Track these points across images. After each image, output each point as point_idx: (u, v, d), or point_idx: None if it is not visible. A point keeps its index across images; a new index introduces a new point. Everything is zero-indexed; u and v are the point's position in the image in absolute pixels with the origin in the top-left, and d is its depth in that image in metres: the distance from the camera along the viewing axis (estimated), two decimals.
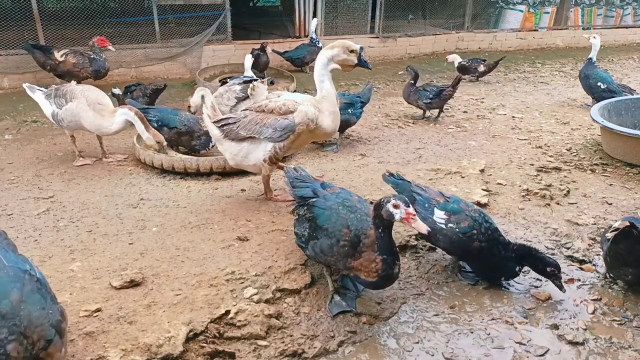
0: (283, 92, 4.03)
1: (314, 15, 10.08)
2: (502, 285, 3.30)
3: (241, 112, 3.99)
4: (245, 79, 5.53)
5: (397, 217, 2.53)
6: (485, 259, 3.15)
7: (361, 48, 3.89)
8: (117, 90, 6.31)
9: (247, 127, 3.85)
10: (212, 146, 5.06)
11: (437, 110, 6.59)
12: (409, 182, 3.53)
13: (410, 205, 2.55)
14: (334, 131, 4.06)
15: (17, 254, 2.38)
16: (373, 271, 2.69)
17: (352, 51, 3.84)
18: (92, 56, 6.96)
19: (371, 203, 4.10)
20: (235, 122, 3.91)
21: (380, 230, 2.63)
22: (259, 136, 3.83)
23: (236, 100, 5.28)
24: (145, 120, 4.67)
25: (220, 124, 3.96)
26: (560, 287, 3.09)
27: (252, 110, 3.94)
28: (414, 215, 2.53)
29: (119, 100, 6.22)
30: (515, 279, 3.35)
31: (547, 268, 3.08)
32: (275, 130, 3.79)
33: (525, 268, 3.46)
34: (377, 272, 2.69)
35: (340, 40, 3.93)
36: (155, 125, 5.01)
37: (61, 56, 7.06)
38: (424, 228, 2.54)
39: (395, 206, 2.51)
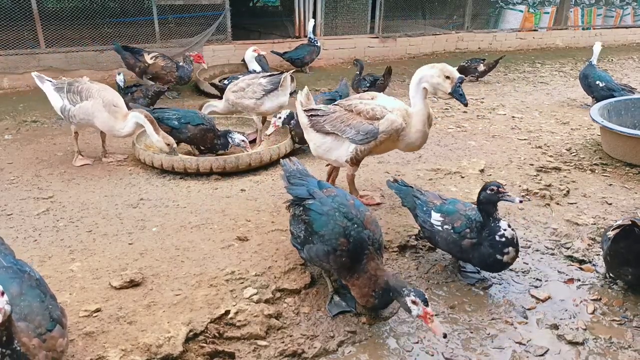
0: (378, 94, 4.00)
1: (314, 16, 10.08)
2: (501, 286, 3.30)
3: (331, 107, 3.98)
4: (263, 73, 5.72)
5: (414, 313, 2.52)
6: (480, 252, 3.11)
7: (460, 78, 3.62)
8: (120, 78, 6.33)
9: (332, 123, 3.85)
10: (230, 147, 5.10)
11: None
12: (411, 187, 3.58)
13: (428, 303, 2.51)
14: (418, 148, 3.94)
15: (16, 259, 2.41)
16: (364, 301, 2.81)
17: (448, 77, 3.60)
18: (180, 63, 7.21)
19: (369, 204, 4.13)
20: (323, 115, 3.91)
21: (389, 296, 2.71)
22: (341, 135, 3.81)
23: (263, 93, 5.32)
24: (155, 122, 4.63)
25: (309, 114, 3.97)
26: (512, 201, 3.00)
27: (342, 107, 3.92)
28: (432, 315, 2.48)
29: (120, 90, 6.22)
30: (515, 279, 3.35)
31: (487, 191, 3.01)
32: (358, 133, 3.75)
33: (526, 267, 3.46)
34: (366, 304, 2.82)
35: (442, 63, 3.69)
36: (177, 123, 4.97)
37: (151, 58, 7.24)
38: (439, 331, 2.46)
39: (414, 302, 2.50)
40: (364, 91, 6.96)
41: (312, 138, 4.01)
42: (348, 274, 2.80)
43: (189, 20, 9.13)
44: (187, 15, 9.10)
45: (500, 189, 3.00)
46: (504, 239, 3.01)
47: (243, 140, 5.06)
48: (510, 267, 3.28)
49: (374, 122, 3.73)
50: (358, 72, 7.32)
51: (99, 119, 4.69)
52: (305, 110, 4.00)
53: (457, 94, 3.60)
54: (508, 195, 3.00)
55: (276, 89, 5.33)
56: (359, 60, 7.63)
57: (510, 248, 3.02)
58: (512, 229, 3.06)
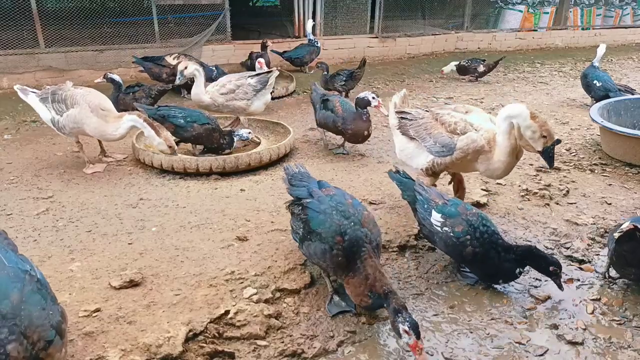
0: (474, 108, 3.81)
1: (314, 15, 10.08)
2: (500, 287, 3.30)
3: (421, 112, 3.89)
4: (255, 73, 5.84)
5: (403, 341, 2.52)
6: (480, 263, 3.14)
7: (558, 141, 3.32)
8: (115, 76, 6.17)
9: (416, 129, 3.77)
10: (235, 146, 5.11)
11: (346, 92, 7.52)
12: (413, 180, 3.52)
13: (420, 335, 2.49)
14: (499, 177, 3.72)
15: (18, 254, 2.39)
16: (359, 300, 2.80)
17: (544, 136, 3.26)
18: (206, 64, 7.19)
19: (370, 204, 4.13)
20: (410, 120, 3.85)
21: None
22: (421, 142, 3.74)
23: (254, 93, 5.44)
24: (154, 125, 4.57)
25: (400, 116, 3.92)
26: (560, 286, 3.10)
27: (431, 113, 3.82)
28: (422, 349, 2.46)
29: (116, 87, 6.14)
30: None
31: (549, 267, 3.07)
32: (435, 144, 3.67)
33: (527, 267, 3.46)
34: (360, 303, 2.81)
35: (544, 120, 3.34)
36: (182, 121, 4.92)
37: (174, 59, 7.20)
38: None
39: (407, 332, 2.47)
40: (341, 86, 7.36)
41: (398, 140, 3.97)
42: (344, 272, 2.80)
43: (189, 20, 9.13)
44: (187, 15, 9.10)
45: (560, 272, 3.08)
46: (519, 274, 3.17)
47: (249, 132, 5.14)
48: None
49: (453, 136, 3.59)
50: (325, 73, 7.59)
51: (88, 125, 4.52)
52: (397, 112, 3.95)
53: (547, 155, 3.30)
54: (558, 281, 3.10)
55: (264, 87, 5.43)
56: (322, 62, 7.85)
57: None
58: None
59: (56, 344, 2.08)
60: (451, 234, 3.13)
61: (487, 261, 3.11)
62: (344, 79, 7.39)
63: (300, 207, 3.03)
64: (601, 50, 7.30)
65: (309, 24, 9.27)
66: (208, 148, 5.17)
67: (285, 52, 9.22)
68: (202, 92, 5.52)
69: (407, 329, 2.47)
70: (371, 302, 2.74)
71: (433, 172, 3.81)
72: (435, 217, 3.22)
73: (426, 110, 3.91)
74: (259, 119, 5.79)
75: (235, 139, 5.08)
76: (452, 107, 3.91)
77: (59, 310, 2.24)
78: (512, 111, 3.34)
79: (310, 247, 2.89)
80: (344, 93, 7.52)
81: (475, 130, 3.55)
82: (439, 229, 3.19)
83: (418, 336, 2.46)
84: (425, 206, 3.29)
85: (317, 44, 9.12)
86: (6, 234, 2.59)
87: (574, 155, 5.39)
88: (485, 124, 3.61)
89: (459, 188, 4.12)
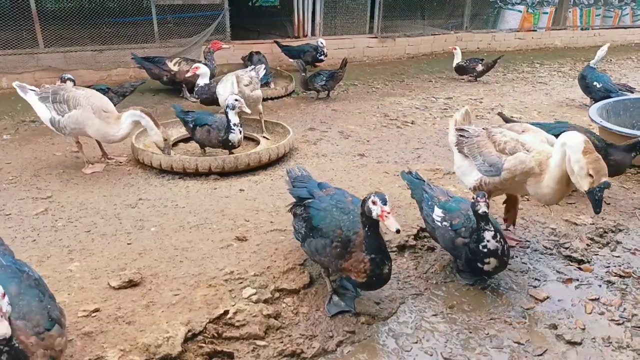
0: (530, 127, 3.63)
1: (313, 15, 10.08)
2: (500, 287, 3.30)
3: (478, 130, 3.70)
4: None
5: (373, 213, 2.56)
6: (465, 253, 3.10)
7: (606, 184, 2.96)
8: (69, 75, 5.83)
9: (469, 147, 3.64)
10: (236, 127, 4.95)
11: (327, 92, 7.58)
12: (423, 180, 3.60)
13: (387, 202, 2.56)
14: (547, 204, 3.66)
15: (15, 259, 2.41)
16: (362, 271, 2.71)
17: (590, 175, 2.94)
18: (203, 62, 7.17)
19: None
20: (466, 137, 3.70)
21: (367, 228, 2.66)
22: (472, 160, 3.61)
23: (259, 82, 5.88)
24: (153, 116, 4.57)
25: (459, 133, 3.77)
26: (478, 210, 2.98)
27: (486, 131, 3.64)
28: (388, 213, 2.54)
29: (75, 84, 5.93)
30: (514, 279, 3.35)
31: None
32: (484, 163, 3.51)
33: (525, 267, 3.46)
34: (365, 273, 2.70)
35: (597, 158, 2.97)
36: (213, 125, 4.89)
37: (174, 65, 7.26)
38: (393, 227, 2.51)
39: (374, 202, 2.56)
40: (321, 86, 7.31)
41: (455, 158, 3.85)
42: (341, 259, 2.80)
43: (188, 20, 9.13)
44: (186, 15, 9.10)
45: (479, 199, 2.95)
46: (485, 250, 2.99)
47: (236, 100, 4.82)
48: (509, 267, 3.31)
49: (502, 156, 3.41)
50: (303, 74, 7.39)
51: (90, 127, 4.53)
52: (457, 129, 3.82)
53: (592, 198, 2.98)
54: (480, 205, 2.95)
55: (259, 76, 5.93)
56: (298, 60, 7.70)
57: (492, 259, 3.01)
58: (498, 241, 2.99)
59: (56, 329, 2.10)
60: (449, 227, 3.17)
61: (468, 253, 3.08)
62: (325, 79, 7.32)
63: (302, 208, 3.10)
64: (602, 52, 7.19)
65: (321, 40, 9.07)
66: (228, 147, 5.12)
67: (287, 45, 9.20)
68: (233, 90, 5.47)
69: (373, 199, 2.55)
70: (370, 264, 2.66)
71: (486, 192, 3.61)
72: (437, 213, 3.27)
73: (483, 128, 3.75)
74: (258, 118, 5.78)
75: (229, 117, 4.79)
76: (508, 126, 3.76)
77: (58, 306, 2.26)
78: (568, 139, 3.07)
79: (312, 243, 2.93)
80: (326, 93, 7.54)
81: (527, 150, 3.34)
82: (439, 223, 3.23)
83: (384, 203, 2.54)
84: (430, 203, 3.36)
85: (322, 56, 8.94)
86: (2, 240, 2.59)
87: None
88: (539, 145, 3.39)
89: (511, 209, 3.87)
